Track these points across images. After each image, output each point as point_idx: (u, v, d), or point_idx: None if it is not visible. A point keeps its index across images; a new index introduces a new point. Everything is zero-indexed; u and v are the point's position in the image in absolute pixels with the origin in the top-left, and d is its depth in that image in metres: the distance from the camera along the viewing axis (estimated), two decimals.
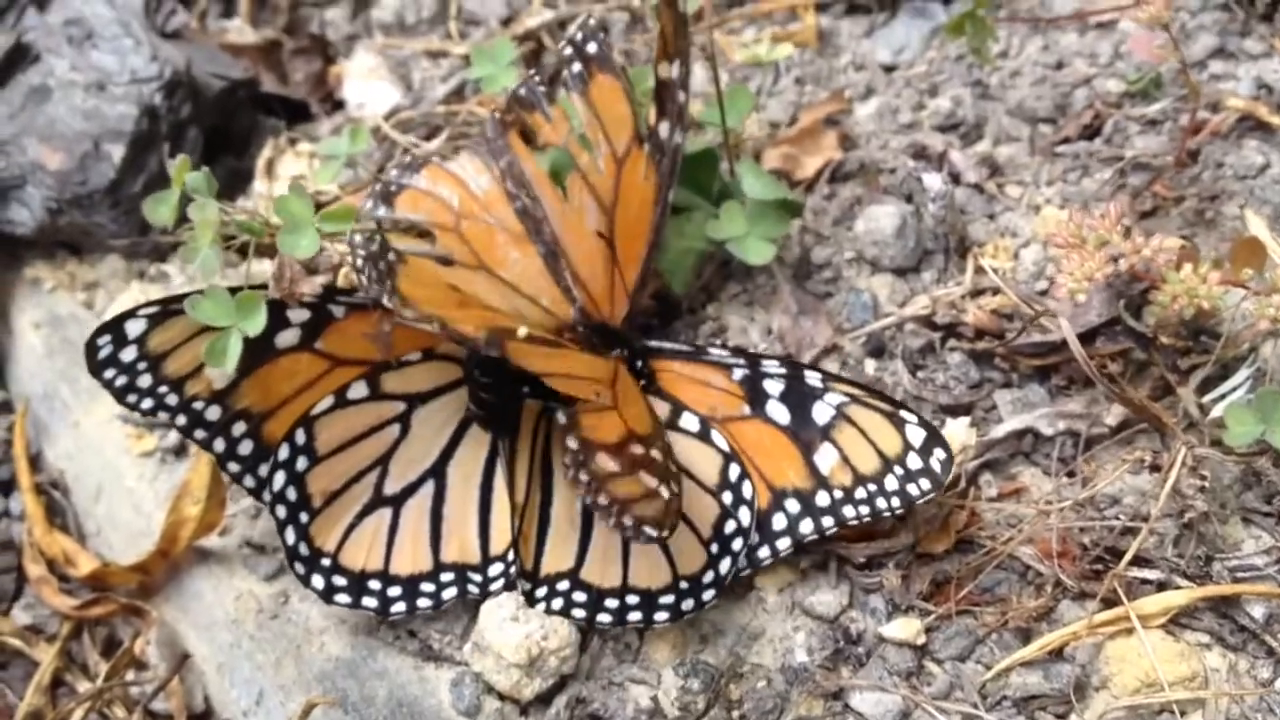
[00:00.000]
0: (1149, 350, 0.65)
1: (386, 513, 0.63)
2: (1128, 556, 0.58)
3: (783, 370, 0.60)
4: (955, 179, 0.77)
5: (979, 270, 0.72)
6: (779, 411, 0.60)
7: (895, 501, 0.58)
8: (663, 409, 0.61)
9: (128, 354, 0.59)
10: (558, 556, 0.61)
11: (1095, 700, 0.57)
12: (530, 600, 0.61)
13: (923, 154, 0.79)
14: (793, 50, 0.85)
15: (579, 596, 0.60)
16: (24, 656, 0.72)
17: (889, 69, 0.87)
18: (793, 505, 0.59)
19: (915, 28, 0.88)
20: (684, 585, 0.59)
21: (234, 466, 0.62)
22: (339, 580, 0.62)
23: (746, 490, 0.59)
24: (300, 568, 0.62)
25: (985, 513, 0.63)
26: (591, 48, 0.65)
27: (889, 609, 0.61)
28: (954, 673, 0.58)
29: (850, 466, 0.58)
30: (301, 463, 0.61)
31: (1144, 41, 0.67)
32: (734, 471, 0.59)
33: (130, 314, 0.59)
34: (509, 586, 0.61)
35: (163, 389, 0.60)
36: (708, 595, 0.59)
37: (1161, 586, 0.58)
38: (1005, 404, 0.67)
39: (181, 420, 0.61)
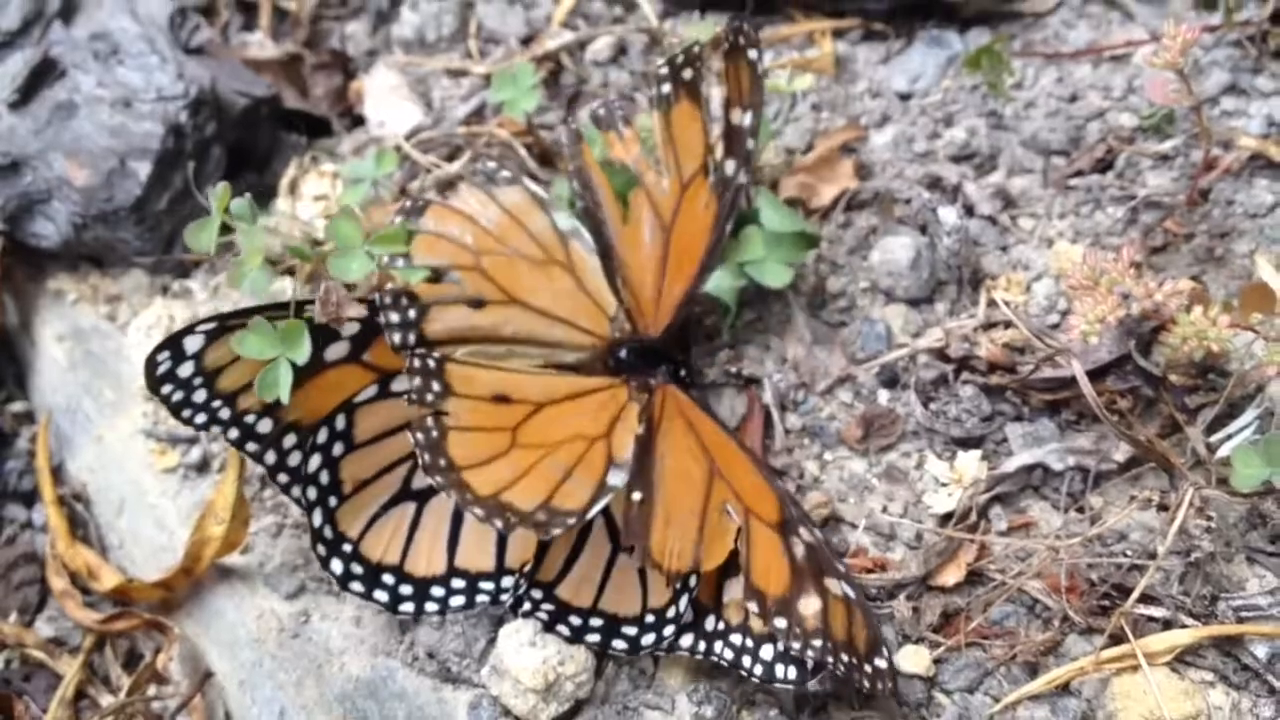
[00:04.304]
0: (1158, 389, 0.66)
1: (410, 508, 0.64)
2: (1135, 594, 0.59)
3: None
4: (969, 210, 0.78)
5: (992, 303, 0.73)
6: None
7: (758, 670, 0.57)
8: None
9: (185, 370, 0.60)
10: (547, 569, 0.62)
11: None
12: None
13: (937, 185, 0.80)
14: (812, 80, 0.86)
15: (547, 607, 0.61)
16: (47, 669, 0.73)
17: (905, 97, 0.88)
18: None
19: (931, 56, 0.89)
20: (649, 619, 0.60)
21: (284, 478, 0.64)
22: (356, 568, 0.63)
23: None
24: (322, 549, 0.63)
25: (995, 546, 0.64)
26: (687, 74, 0.67)
27: (899, 640, 0.62)
28: (962, 705, 0.59)
29: (745, 611, 0.58)
30: (338, 448, 0.63)
31: (1158, 84, 0.68)
32: None
33: (189, 330, 0.59)
34: (518, 601, 0.62)
35: (216, 404, 0.61)
36: (667, 630, 0.60)
37: (1167, 624, 0.60)
38: (1016, 438, 0.68)
39: (234, 434, 0.62)
